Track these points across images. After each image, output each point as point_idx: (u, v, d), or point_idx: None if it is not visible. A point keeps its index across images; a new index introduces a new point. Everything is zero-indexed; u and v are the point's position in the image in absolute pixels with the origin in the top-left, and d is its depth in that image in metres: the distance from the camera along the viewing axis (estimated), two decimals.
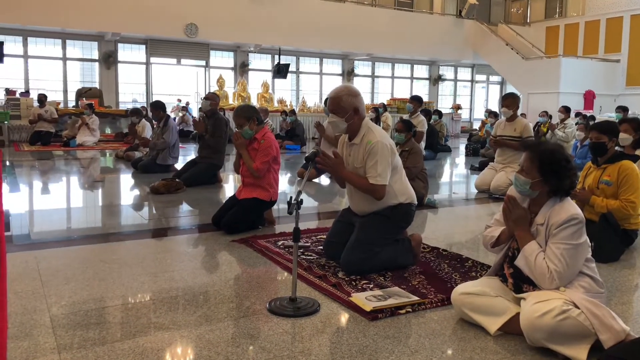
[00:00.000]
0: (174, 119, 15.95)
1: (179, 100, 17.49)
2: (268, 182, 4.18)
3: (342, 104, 3.10)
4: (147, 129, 8.67)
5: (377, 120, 11.36)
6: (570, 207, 2.29)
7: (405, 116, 8.64)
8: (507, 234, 2.45)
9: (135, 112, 8.96)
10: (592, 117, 12.48)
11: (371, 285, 2.91)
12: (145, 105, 14.97)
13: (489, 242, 2.54)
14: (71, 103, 14.33)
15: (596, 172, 3.83)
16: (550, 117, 12.75)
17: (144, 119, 8.89)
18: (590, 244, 3.55)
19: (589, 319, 2.10)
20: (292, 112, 13.04)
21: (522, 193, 2.40)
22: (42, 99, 11.55)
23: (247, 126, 4.18)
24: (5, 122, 11.52)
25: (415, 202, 3.32)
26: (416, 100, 8.35)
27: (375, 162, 3.03)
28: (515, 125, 6.06)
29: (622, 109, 9.80)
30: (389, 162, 3.07)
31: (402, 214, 3.22)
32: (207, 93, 7.16)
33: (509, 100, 6.15)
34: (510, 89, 20.92)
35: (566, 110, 10.26)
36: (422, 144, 7.93)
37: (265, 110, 9.39)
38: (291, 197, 2.56)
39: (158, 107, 7.52)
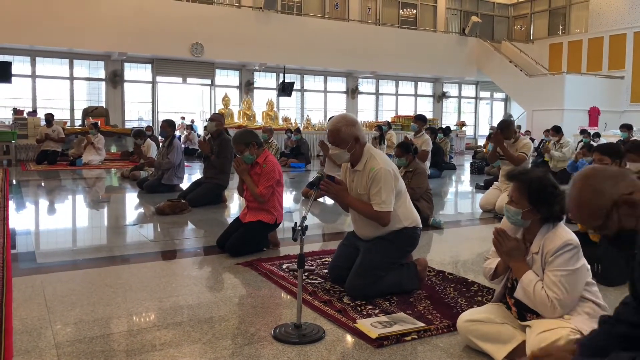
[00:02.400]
0: (179, 137, 16.10)
1: (183, 119, 17.62)
2: (272, 205, 4.18)
3: (342, 136, 3.10)
4: (152, 149, 8.72)
5: (381, 138, 11.38)
6: (564, 233, 2.27)
7: (410, 135, 8.66)
8: (502, 265, 2.44)
9: (138, 134, 9.01)
10: (597, 134, 12.48)
11: (377, 311, 2.89)
12: (151, 124, 15.10)
13: (488, 274, 2.53)
14: (78, 122, 14.47)
15: None
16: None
17: (148, 139, 8.95)
18: (595, 266, 3.57)
19: None
20: (297, 130, 13.10)
21: (515, 224, 2.39)
22: (49, 118, 11.67)
23: (247, 152, 4.18)
24: (13, 141, 11.62)
25: (420, 225, 3.31)
26: (420, 119, 8.38)
27: (379, 189, 3.03)
28: (517, 146, 6.04)
29: (627, 127, 9.78)
30: (393, 188, 3.07)
31: (407, 238, 3.21)
32: (212, 114, 7.17)
33: (505, 133, 6.05)
34: (514, 105, 20.99)
35: (556, 131, 10.21)
36: (427, 164, 7.91)
37: (270, 130, 9.43)
38: (296, 223, 2.57)
39: (170, 125, 7.57)
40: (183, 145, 14.39)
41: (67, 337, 2.55)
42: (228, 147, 6.62)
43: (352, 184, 3.22)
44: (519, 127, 18.35)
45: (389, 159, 3.24)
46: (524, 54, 19.68)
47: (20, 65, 14.18)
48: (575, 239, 2.26)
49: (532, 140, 14.88)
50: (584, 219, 1.77)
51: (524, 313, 2.36)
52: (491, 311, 2.45)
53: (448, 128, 15.31)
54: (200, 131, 16.52)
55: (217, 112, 7.12)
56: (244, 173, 4.19)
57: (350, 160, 3.18)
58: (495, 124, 20.66)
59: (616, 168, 2.43)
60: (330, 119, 3.31)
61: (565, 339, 2.09)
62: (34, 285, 3.31)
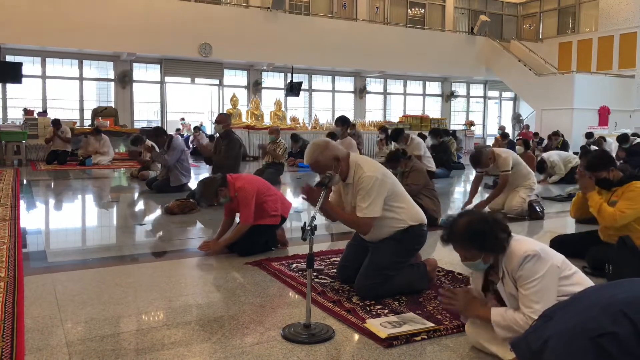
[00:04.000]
0: (187, 137, 16.17)
1: (183, 119, 17.70)
2: (272, 209, 4.17)
3: (323, 163, 3.06)
4: (154, 148, 8.65)
5: (387, 139, 11.34)
6: (520, 246, 2.25)
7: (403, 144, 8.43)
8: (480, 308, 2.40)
9: (136, 141, 8.84)
10: (597, 142, 12.22)
11: (386, 311, 2.89)
12: (160, 125, 15.19)
13: None
14: (87, 122, 14.56)
15: (606, 195, 3.81)
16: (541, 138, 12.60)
17: (147, 140, 8.77)
18: (607, 267, 3.55)
19: None
20: (295, 137, 12.79)
21: (483, 270, 2.39)
22: (56, 122, 11.61)
23: (221, 198, 4.08)
24: (23, 141, 11.72)
25: (425, 222, 3.28)
26: (341, 122, 7.70)
27: (362, 196, 3.01)
28: (497, 164, 5.97)
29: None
30: (378, 194, 3.01)
31: (414, 236, 3.20)
32: (218, 115, 7.10)
33: (480, 166, 5.84)
34: (523, 105, 20.88)
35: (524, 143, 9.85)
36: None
37: (277, 130, 9.38)
38: (305, 223, 2.57)
39: (157, 135, 7.56)
40: (192, 146, 14.48)
41: (78, 336, 2.57)
42: (236, 147, 6.64)
43: (347, 197, 3.21)
44: (527, 126, 18.29)
45: (377, 164, 3.20)
46: (533, 53, 19.56)
47: (30, 66, 14.30)
48: (532, 247, 2.24)
49: (542, 140, 14.84)
50: None
51: None
52: None
53: (454, 132, 14.95)
54: (209, 131, 16.59)
55: (223, 112, 7.06)
56: (220, 245, 4.08)
57: (341, 176, 3.14)
58: (503, 124, 20.62)
59: None
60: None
61: None
62: (45, 283, 3.34)
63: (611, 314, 1.68)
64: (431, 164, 8.59)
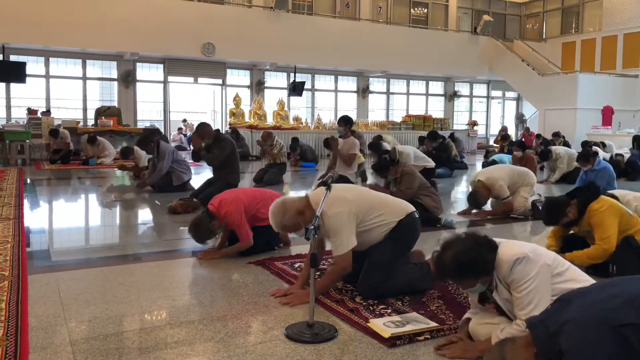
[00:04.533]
0: (189, 137, 16.19)
1: (184, 121, 17.72)
2: (265, 215, 4.14)
3: (290, 225, 3.05)
4: (143, 158, 8.65)
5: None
6: (508, 251, 2.26)
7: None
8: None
9: (126, 152, 8.76)
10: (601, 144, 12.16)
11: (389, 311, 2.89)
12: (164, 124, 15.24)
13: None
14: (90, 121, 14.58)
15: (576, 229, 3.79)
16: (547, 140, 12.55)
17: (137, 150, 8.73)
18: (610, 267, 3.54)
19: None
20: (295, 141, 12.75)
21: (484, 290, 2.39)
22: (54, 133, 11.54)
23: (213, 233, 4.03)
24: (27, 140, 11.75)
25: (412, 209, 3.25)
26: (344, 121, 7.36)
27: (333, 236, 2.98)
28: (495, 194, 5.91)
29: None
30: (348, 225, 2.96)
31: (406, 229, 3.16)
32: (198, 130, 6.85)
33: (478, 204, 5.95)
34: (526, 104, 20.84)
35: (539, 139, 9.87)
36: (354, 167, 7.37)
37: (269, 134, 9.21)
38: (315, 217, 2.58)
39: (144, 143, 7.55)
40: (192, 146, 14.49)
41: (81, 335, 2.58)
42: (226, 148, 6.60)
43: (322, 237, 3.18)
44: (528, 128, 18.21)
45: (341, 194, 3.02)
46: (536, 52, 19.51)
47: (34, 65, 14.32)
48: (519, 250, 2.26)
49: (545, 140, 14.80)
50: None
51: None
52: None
53: (452, 135, 14.50)
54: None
55: (203, 122, 6.82)
56: (220, 255, 4.06)
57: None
58: (506, 124, 20.58)
59: None
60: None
61: None
62: (49, 282, 3.35)
63: (636, 307, 1.69)
64: (428, 162, 8.44)
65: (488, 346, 2.26)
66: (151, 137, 7.63)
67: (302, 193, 8.04)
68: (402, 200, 3.37)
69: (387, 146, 9.84)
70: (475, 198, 5.87)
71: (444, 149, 10.55)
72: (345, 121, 7.19)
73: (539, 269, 2.22)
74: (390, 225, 3.12)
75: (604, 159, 10.08)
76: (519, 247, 2.29)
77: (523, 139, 13.80)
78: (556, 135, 13.42)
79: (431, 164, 8.37)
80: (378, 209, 3.13)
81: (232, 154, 6.72)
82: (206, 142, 6.67)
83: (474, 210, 6.10)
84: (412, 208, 3.27)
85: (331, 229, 2.97)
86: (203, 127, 6.80)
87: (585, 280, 2.29)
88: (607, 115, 16.95)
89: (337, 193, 2.91)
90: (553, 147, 9.66)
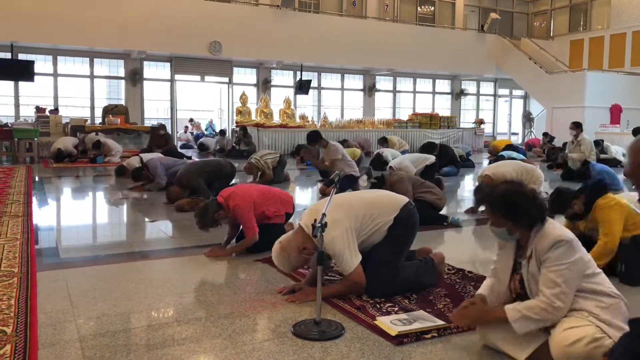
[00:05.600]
0: (199, 135, 16.27)
1: (191, 120, 17.77)
2: (274, 211, 4.17)
3: (299, 263, 3.09)
4: (137, 164, 8.22)
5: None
6: (554, 230, 2.25)
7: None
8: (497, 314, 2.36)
9: (120, 173, 8.37)
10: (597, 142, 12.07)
11: (396, 309, 2.89)
12: (170, 123, 15.31)
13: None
14: (98, 120, 14.66)
15: (582, 224, 3.77)
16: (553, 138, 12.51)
17: (129, 161, 8.50)
18: (619, 265, 3.52)
19: None
20: (300, 146, 12.74)
21: (506, 241, 2.39)
22: (59, 156, 11.41)
23: (220, 222, 4.04)
24: (35, 138, 11.82)
25: (405, 201, 3.23)
26: (312, 140, 7.79)
27: (338, 257, 2.96)
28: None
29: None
30: (349, 242, 2.95)
31: (404, 223, 3.14)
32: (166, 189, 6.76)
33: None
34: (534, 103, 20.74)
35: (577, 125, 9.94)
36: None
37: (250, 166, 8.59)
38: (315, 220, 2.57)
39: (136, 172, 7.53)
40: (218, 146, 14.39)
41: (90, 331, 2.59)
42: (197, 180, 6.40)
43: None
44: (531, 132, 18.16)
45: (330, 220, 2.80)
46: (544, 50, 19.41)
47: (42, 64, 14.41)
48: (566, 234, 2.24)
49: (552, 138, 14.73)
50: None
51: None
52: None
53: (443, 145, 13.96)
54: (218, 129, 16.68)
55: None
56: (227, 252, 4.07)
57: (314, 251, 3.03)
58: (514, 122, 20.52)
59: None
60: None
61: (590, 337, 2.07)
62: (57, 279, 3.37)
63: None
64: (427, 159, 8.20)
65: (502, 316, 2.24)
66: (138, 171, 7.60)
67: (295, 224, 8.03)
68: (394, 194, 3.34)
69: (388, 156, 10.08)
70: (482, 189, 5.83)
71: (444, 154, 10.34)
72: (313, 140, 7.55)
73: (577, 258, 2.20)
74: (388, 224, 3.11)
75: (603, 159, 10.15)
76: (566, 231, 2.28)
77: (529, 143, 13.77)
78: (545, 135, 13.35)
79: (431, 159, 8.19)
80: (371, 213, 3.10)
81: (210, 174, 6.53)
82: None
83: (482, 208, 6.07)
84: (405, 199, 3.25)
85: (332, 254, 2.97)
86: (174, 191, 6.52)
87: (615, 293, 2.25)
88: (616, 113, 16.84)
89: (327, 217, 2.67)
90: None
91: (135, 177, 7.65)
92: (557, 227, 2.29)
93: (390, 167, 7.48)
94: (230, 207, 3.97)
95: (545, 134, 15.66)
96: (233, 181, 6.86)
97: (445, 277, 3.45)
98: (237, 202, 3.99)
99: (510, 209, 2.27)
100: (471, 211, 6.09)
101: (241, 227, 4.16)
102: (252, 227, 4.00)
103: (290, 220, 4.49)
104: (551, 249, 2.20)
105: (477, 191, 5.87)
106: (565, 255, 2.19)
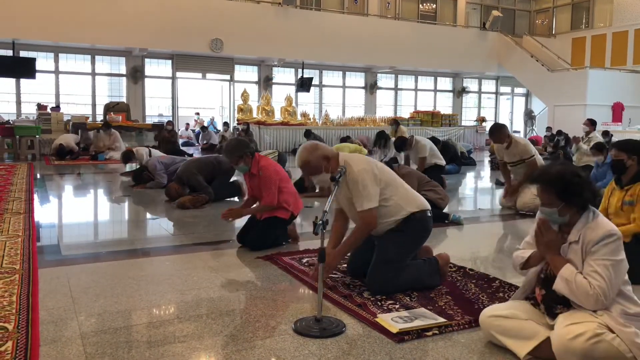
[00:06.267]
0: (198, 132, 16.27)
1: (197, 114, 17.77)
2: (284, 201, 4.17)
3: (314, 164, 3.11)
4: (145, 155, 8.27)
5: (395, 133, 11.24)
6: (606, 223, 2.24)
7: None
8: (537, 257, 2.41)
9: (127, 157, 8.39)
10: (606, 133, 12.17)
11: (397, 306, 2.89)
12: (171, 119, 15.31)
13: (518, 263, 2.49)
14: (99, 117, 14.67)
15: (620, 193, 3.72)
16: (560, 131, 12.54)
17: (137, 151, 8.43)
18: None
19: (629, 347, 2.06)
20: (308, 132, 12.89)
21: (555, 222, 2.35)
22: (61, 154, 11.42)
23: (241, 163, 4.13)
24: (37, 136, 11.83)
25: (428, 208, 3.25)
26: (401, 142, 8.19)
27: (358, 192, 3.00)
28: (515, 150, 5.95)
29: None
30: (372, 182, 3.01)
31: (417, 223, 3.16)
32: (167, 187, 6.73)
33: (495, 136, 5.99)
34: (535, 101, 20.71)
35: (591, 123, 10.03)
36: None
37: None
38: (316, 217, 2.57)
39: (126, 159, 7.72)
40: (204, 141, 14.57)
41: (91, 328, 2.60)
42: (194, 175, 6.44)
43: (339, 196, 3.18)
44: (533, 129, 18.16)
45: (365, 158, 3.17)
46: (545, 48, 19.37)
47: (44, 61, 14.42)
48: (617, 229, 2.23)
49: (553, 136, 14.70)
50: None
51: (553, 306, 2.32)
52: (515, 307, 2.43)
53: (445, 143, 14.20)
54: (220, 127, 16.67)
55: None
56: (239, 214, 4.18)
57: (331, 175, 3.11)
58: (515, 120, 20.51)
59: None
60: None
61: (591, 332, 2.07)
62: (59, 276, 3.37)
63: None
64: (439, 159, 8.44)
65: (559, 264, 2.25)
66: (140, 173, 7.67)
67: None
68: (420, 196, 3.34)
69: (405, 132, 10.41)
70: (498, 127, 6.07)
71: (446, 149, 10.35)
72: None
73: (624, 259, 2.20)
74: (402, 214, 3.12)
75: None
76: (616, 227, 2.26)
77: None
78: (549, 130, 13.36)
79: (442, 162, 8.42)
80: (396, 187, 3.16)
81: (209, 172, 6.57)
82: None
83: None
84: (427, 206, 3.26)
85: (357, 182, 3.00)
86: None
87: (637, 302, 2.25)
88: (618, 111, 16.82)
89: (361, 157, 3.13)
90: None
91: (137, 179, 7.68)
92: (608, 221, 2.29)
93: (397, 163, 7.54)
94: (260, 165, 4.08)
95: (548, 128, 15.67)
96: (234, 178, 6.86)
97: (448, 274, 3.44)
98: (267, 164, 4.13)
99: (565, 189, 2.25)
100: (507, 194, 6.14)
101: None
102: (273, 194, 4.06)
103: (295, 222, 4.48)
104: (603, 240, 2.18)
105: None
106: (614, 250, 2.18)
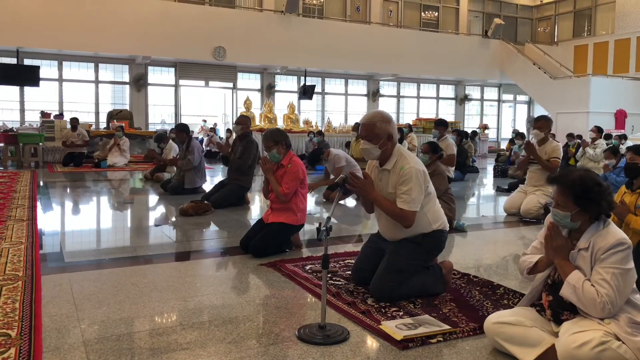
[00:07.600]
0: (201, 139, 16.28)
1: (204, 121, 17.80)
2: (295, 205, 4.19)
3: (376, 131, 3.04)
4: (174, 151, 8.80)
5: (401, 140, 11.32)
6: (617, 232, 2.23)
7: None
8: (545, 262, 2.39)
9: (160, 138, 9.11)
10: (624, 136, 12.24)
11: (401, 313, 2.87)
12: (173, 127, 15.28)
13: (525, 268, 2.48)
14: (103, 125, 14.71)
15: (631, 197, 3.71)
16: (580, 136, 12.54)
17: (170, 141, 9.04)
18: None
19: (636, 355, 2.04)
20: (320, 132, 13.15)
21: (565, 226, 2.34)
22: (74, 123, 11.89)
23: (275, 150, 4.22)
24: (40, 143, 11.87)
25: (447, 228, 3.26)
26: (442, 125, 8.32)
27: (409, 188, 2.97)
28: (546, 149, 5.95)
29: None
30: (422, 189, 3.01)
31: (434, 240, 3.17)
32: (239, 116, 7.26)
33: (541, 123, 6.03)
34: (538, 108, 20.70)
35: (598, 130, 10.10)
36: (453, 168, 7.88)
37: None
38: (320, 224, 2.56)
39: (182, 130, 7.63)
40: (206, 148, 14.58)
41: (94, 335, 2.59)
42: (252, 149, 6.65)
43: (379, 183, 3.15)
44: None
45: (419, 159, 3.16)
46: (548, 56, 19.39)
47: (47, 69, 14.49)
48: (627, 238, 2.22)
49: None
50: None
51: (559, 312, 2.30)
52: (520, 314, 2.41)
53: (474, 132, 15.14)
54: (222, 134, 16.68)
55: (243, 114, 7.18)
56: (268, 172, 4.23)
57: (379, 157, 3.12)
58: (518, 128, 20.47)
59: None
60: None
61: (597, 340, 2.05)
62: (62, 283, 3.37)
63: None
64: (449, 172, 8.43)
65: (568, 270, 2.24)
66: (187, 129, 7.80)
67: (314, 195, 8.01)
68: (443, 213, 3.30)
69: (414, 139, 10.82)
70: (547, 118, 6.28)
71: (459, 153, 10.35)
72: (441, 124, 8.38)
73: (632, 268, 2.19)
74: (424, 229, 3.10)
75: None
76: (627, 237, 2.25)
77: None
78: (570, 136, 13.33)
79: (451, 174, 8.43)
80: (433, 201, 3.15)
81: (255, 156, 6.74)
82: (239, 132, 6.77)
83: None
84: (447, 226, 3.26)
85: (407, 179, 2.97)
86: (243, 117, 7.15)
87: None
88: (620, 118, 16.80)
89: (418, 158, 3.12)
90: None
91: (158, 139, 8.62)
92: (619, 230, 2.27)
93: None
94: (291, 159, 4.20)
95: (552, 135, 15.65)
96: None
97: (451, 281, 3.43)
98: (298, 161, 4.22)
99: (583, 195, 2.23)
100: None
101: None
102: (291, 188, 4.12)
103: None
104: (613, 248, 2.17)
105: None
106: (624, 259, 2.17)
